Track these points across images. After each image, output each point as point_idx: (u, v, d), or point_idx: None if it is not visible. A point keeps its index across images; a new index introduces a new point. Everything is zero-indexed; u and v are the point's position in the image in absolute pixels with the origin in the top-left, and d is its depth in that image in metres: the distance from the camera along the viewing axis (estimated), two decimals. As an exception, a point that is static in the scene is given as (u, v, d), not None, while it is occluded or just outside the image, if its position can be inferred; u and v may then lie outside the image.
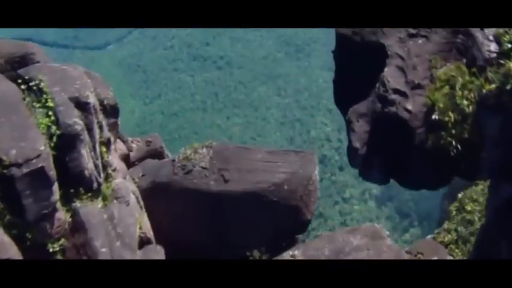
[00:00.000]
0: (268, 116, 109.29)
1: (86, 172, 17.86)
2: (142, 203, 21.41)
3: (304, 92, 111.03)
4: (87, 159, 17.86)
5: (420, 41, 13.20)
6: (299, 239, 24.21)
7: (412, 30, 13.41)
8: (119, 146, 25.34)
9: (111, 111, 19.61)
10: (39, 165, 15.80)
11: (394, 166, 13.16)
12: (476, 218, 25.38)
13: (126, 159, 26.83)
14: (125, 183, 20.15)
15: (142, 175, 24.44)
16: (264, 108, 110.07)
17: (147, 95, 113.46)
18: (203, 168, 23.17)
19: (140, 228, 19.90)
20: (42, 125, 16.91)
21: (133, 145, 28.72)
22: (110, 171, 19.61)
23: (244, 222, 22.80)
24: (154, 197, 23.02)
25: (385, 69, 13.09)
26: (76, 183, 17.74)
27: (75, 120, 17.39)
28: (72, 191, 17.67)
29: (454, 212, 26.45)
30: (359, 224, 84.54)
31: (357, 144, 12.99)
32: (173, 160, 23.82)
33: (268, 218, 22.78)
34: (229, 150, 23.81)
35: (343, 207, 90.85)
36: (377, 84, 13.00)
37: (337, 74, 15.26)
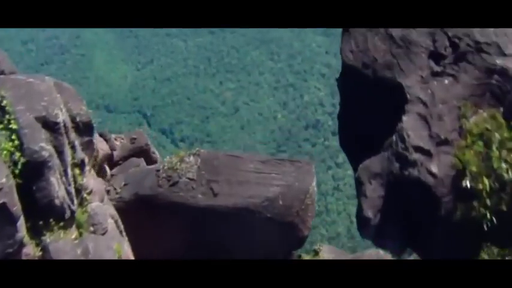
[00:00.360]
0: (261, 80, 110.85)
1: (57, 201, 16.02)
2: (122, 226, 19.42)
3: (298, 56, 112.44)
4: (57, 187, 15.98)
5: (446, 82, 10.76)
6: (295, 254, 22.45)
7: (436, 68, 10.99)
8: (101, 146, 23.38)
9: (85, 128, 17.47)
10: (1, 202, 14.10)
11: (414, 236, 10.96)
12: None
13: (109, 159, 24.94)
14: (102, 207, 18.13)
15: (125, 184, 22.38)
16: (257, 73, 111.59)
17: (139, 60, 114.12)
18: (190, 179, 21.12)
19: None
20: (4, 152, 15.04)
21: (117, 143, 26.89)
22: (84, 195, 17.63)
23: (235, 240, 20.88)
24: (138, 211, 21.04)
25: (404, 118, 10.71)
26: (45, 214, 15.91)
27: (41, 145, 15.44)
28: (41, 222, 15.83)
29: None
30: (351, 189, 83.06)
31: (369, 213, 10.63)
32: (158, 170, 21.71)
33: (261, 235, 20.87)
34: (219, 159, 21.68)
35: (336, 172, 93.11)
36: (394, 137, 10.67)
37: (343, 107, 12.90)
